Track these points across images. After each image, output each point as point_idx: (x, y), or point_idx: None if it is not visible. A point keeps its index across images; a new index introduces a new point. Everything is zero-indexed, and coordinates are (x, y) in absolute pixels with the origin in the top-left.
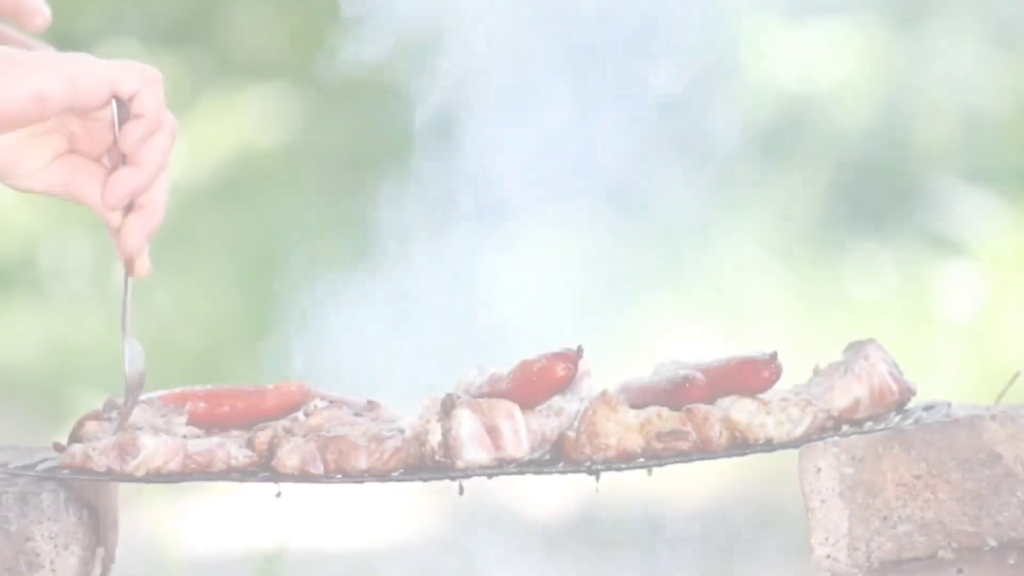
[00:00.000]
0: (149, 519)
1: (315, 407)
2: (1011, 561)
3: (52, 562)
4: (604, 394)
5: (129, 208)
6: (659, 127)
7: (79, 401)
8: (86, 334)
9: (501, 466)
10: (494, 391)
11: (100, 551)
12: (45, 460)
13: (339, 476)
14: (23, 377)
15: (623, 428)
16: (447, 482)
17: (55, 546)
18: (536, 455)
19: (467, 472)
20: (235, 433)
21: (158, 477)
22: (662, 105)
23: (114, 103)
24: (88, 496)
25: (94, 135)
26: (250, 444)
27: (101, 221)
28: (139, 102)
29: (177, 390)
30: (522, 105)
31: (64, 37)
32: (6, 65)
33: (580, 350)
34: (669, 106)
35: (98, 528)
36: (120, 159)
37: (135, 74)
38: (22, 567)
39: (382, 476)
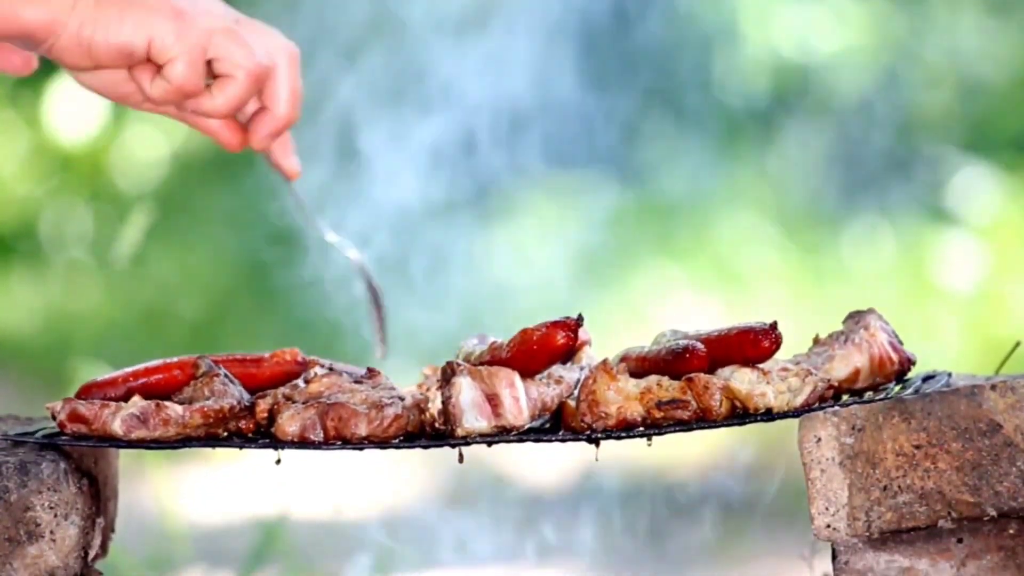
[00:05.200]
0: (149, 488)
1: (315, 374)
2: (1011, 531)
3: (52, 532)
4: (604, 363)
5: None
6: (660, 98)
7: (78, 370)
8: (86, 304)
9: (501, 434)
10: (494, 359)
11: (100, 521)
12: (44, 429)
13: (339, 443)
14: (22, 346)
15: (623, 397)
16: (447, 449)
17: (55, 516)
18: (536, 423)
19: (467, 440)
20: None
21: (159, 444)
22: (662, 76)
23: None
24: (88, 466)
25: None
26: (250, 411)
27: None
28: (171, 68)
29: (174, 359)
30: (520, 80)
31: None
32: (112, 10)
33: (580, 319)
34: (670, 77)
35: (98, 498)
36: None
37: (173, 39)
38: (22, 537)
39: (382, 443)
